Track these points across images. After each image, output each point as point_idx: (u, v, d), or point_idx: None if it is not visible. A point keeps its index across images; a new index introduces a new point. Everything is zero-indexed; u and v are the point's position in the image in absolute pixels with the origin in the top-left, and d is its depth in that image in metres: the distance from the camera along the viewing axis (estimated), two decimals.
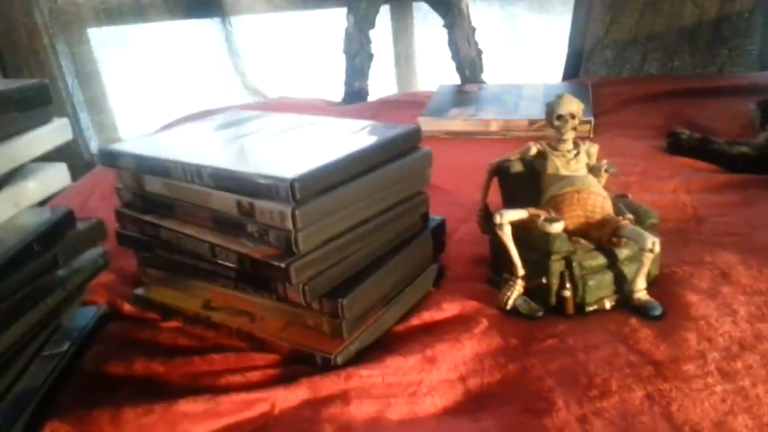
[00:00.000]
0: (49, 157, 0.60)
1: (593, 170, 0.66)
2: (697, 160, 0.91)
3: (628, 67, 1.40)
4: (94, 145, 1.70)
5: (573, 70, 1.44)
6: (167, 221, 0.61)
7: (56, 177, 0.60)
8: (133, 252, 0.67)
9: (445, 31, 1.44)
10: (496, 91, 1.25)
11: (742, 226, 0.74)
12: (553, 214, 0.61)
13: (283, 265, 0.51)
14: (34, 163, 0.58)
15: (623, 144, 1.01)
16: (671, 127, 1.01)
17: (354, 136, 0.62)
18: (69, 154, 1.69)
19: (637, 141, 1.01)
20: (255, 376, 0.53)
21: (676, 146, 0.94)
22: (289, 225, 0.51)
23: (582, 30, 1.40)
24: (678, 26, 1.35)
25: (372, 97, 1.50)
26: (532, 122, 1.09)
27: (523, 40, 1.49)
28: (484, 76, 1.44)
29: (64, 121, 0.61)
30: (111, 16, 1.64)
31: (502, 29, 1.49)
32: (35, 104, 0.56)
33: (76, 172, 1.16)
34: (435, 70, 1.57)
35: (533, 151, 0.66)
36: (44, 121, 0.58)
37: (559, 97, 0.65)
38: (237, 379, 0.53)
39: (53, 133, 0.59)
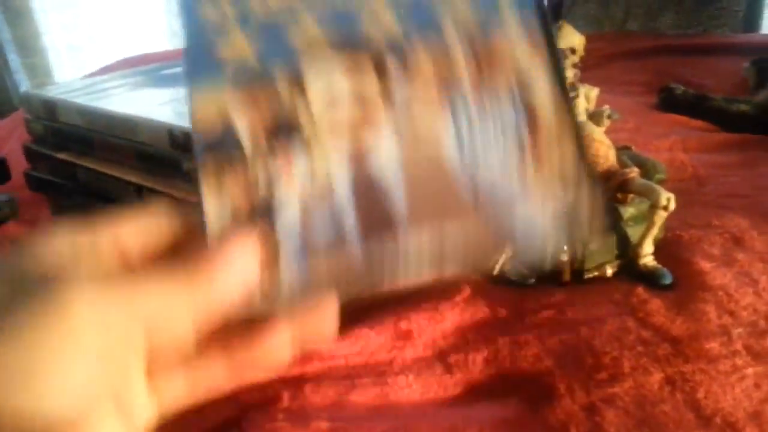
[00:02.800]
0: None
1: (593, 116, 0.58)
2: (691, 117, 0.84)
3: (609, 24, 1.32)
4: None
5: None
6: (85, 160, 0.49)
7: None
8: (46, 197, 0.56)
9: None
10: None
11: (747, 188, 0.67)
12: None
13: None
14: None
15: (609, 100, 0.91)
16: (660, 84, 0.93)
17: None
18: None
19: (624, 97, 0.93)
20: None
21: (669, 102, 0.86)
22: None
23: None
24: None
25: None
26: None
27: None
28: None
29: None
30: None
31: None
32: None
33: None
34: None
35: None
36: None
37: (559, 28, 0.55)
38: None
39: None
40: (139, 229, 0.28)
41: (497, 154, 0.30)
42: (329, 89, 0.30)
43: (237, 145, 0.30)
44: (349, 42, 0.30)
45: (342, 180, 0.30)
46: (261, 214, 0.29)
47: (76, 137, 0.49)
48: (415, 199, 0.29)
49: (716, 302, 0.47)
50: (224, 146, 0.30)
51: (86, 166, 0.49)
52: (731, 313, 0.46)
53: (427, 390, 0.41)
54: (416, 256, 0.29)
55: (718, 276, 0.50)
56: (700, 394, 0.39)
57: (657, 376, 0.40)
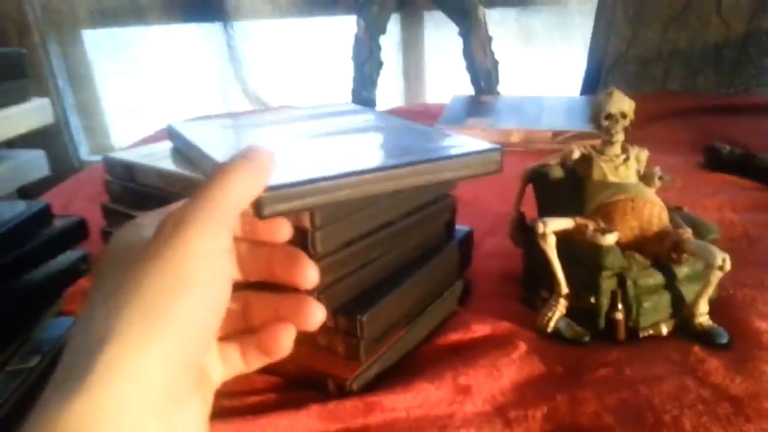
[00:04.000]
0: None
1: (645, 178, 0.59)
2: (739, 177, 0.84)
3: (649, 84, 1.34)
4: (84, 151, 1.62)
5: (592, 84, 1.38)
6: None
7: (32, 165, 0.51)
8: None
9: (458, 42, 1.37)
10: (514, 102, 1.18)
11: None
12: (603, 225, 0.53)
13: None
14: (8, 150, 0.51)
15: (655, 159, 0.92)
16: (704, 143, 0.94)
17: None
18: (56, 160, 1.60)
19: (670, 156, 0.94)
20: (253, 400, 0.45)
21: (715, 161, 0.87)
22: (306, 222, 0.43)
23: (602, 44, 1.34)
24: (703, 43, 1.29)
25: (379, 108, 1.43)
26: (556, 134, 1.02)
27: (539, 51, 1.43)
28: (500, 88, 1.38)
29: (45, 101, 0.53)
30: (106, 17, 1.57)
31: (518, 40, 1.43)
32: (7, 76, 0.48)
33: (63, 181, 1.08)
34: (443, 83, 1.50)
35: (576, 154, 0.59)
36: (20, 98, 0.50)
37: (609, 93, 0.57)
38: (232, 403, 0.45)
39: (31, 113, 0.51)
40: None
41: None
42: None
43: None
44: None
45: None
46: None
47: (153, 197, 0.53)
48: None
49: None
50: None
51: None
52: None
53: None
54: None
55: None
56: None
57: None
